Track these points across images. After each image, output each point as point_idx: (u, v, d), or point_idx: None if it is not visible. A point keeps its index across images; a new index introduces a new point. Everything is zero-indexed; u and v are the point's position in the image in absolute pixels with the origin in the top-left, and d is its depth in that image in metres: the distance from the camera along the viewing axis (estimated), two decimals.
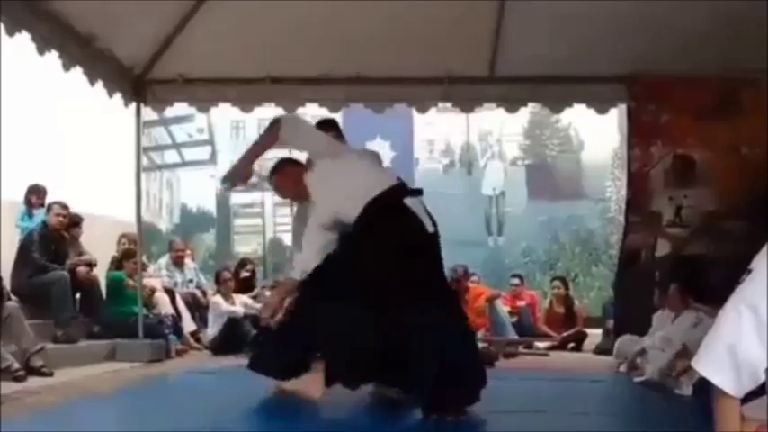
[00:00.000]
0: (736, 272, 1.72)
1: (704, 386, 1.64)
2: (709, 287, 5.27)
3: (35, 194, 8.11)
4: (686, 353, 4.58)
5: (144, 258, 7.76)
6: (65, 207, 7.01)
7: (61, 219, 6.93)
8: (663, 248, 6.34)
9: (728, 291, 1.70)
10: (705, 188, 6.30)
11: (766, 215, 3.06)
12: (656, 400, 4.60)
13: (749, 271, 1.66)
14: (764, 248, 1.66)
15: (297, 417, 3.71)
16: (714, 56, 6.00)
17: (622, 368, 5.87)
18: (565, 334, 8.46)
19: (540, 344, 8.29)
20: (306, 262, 3.80)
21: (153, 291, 7.48)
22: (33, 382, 5.05)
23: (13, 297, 6.03)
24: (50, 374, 5.29)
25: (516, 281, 9.15)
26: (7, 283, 6.02)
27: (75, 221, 7.33)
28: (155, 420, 3.77)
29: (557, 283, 9.31)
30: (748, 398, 1.64)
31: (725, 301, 1.69)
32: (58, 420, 3.83)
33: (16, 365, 5.07)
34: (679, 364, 4.64)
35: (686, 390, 4.39)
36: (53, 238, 6.86)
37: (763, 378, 1.58)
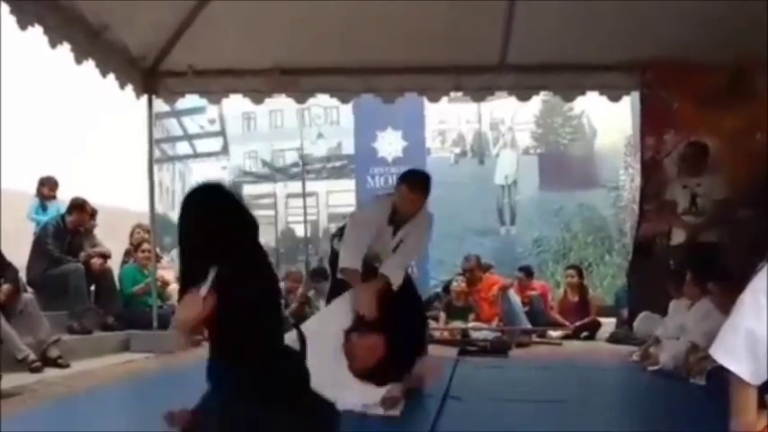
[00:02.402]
0: (751, 259, 1.71)
1: (719, 375, 1.63)
2: (725, 275, 5.22)
3: (47, 186, 8.14)
4: (701, 342, 4.56)
5: (157, 250, 7.78)
6: (85, 207, 7.03)
7: (85, 218, 6.99)
8: (678, 237, 6.30)
9: (744, 278, 1.69)
10: (719, 175, 6.25)
11: None
12: (670, 389, 4.59)
13: (766, 259, 1.65)
14: None
15: None
16: (727, 42, 5.94)
17: (636, 357, 5.85)
18: (578, 323, 8.43)
19: (554, 333, 8.27)
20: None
21: (166, 283, 7.51)
22: (50, 373, 5.09)
23: (28, 289, 6.07)
24: (67, 366, 5.35)
25: (521, 274, 9.07)
26: (23, 275, 6.06)
27: (91, 214, 7.35)
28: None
29: (571, 271, 9.27)
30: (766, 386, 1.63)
31: (741, 289, 1.68)
32: (76, 410, 3.86)
33: (33, 357, 5.12)
34: (693, 353, 4.62)
35: (700, 379, 4.37)
36: (68, 230, 6.90)
37: None
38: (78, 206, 6.97)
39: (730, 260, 5.76)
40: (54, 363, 5.32)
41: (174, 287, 7.60)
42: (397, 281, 4.04)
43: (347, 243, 4.27)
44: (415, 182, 4.19)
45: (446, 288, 8.70)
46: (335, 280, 4.38)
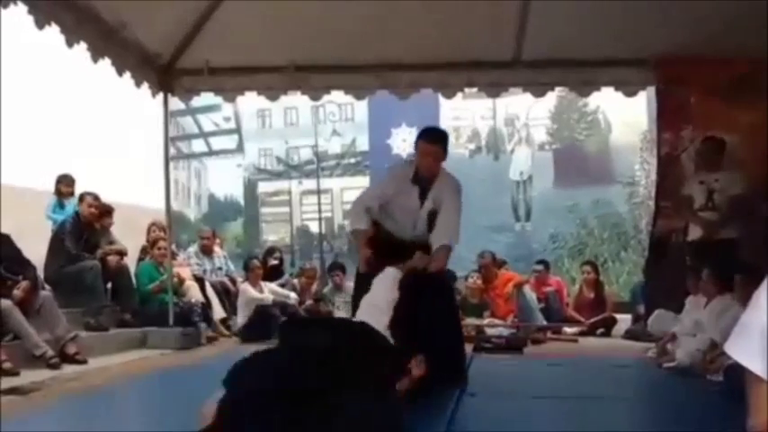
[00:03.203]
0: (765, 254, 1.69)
1: (735, 372, 1.61)
2: (742, 271, 5.19)
3: (64, 184, 8.20)
4: (717, 339, 4.53)
5: (173, 247, 7.83)
6: (96, 198, 7.09)
7: (93, 210, 7.01)
8: (694, 233, 6.25)
9: (761, 274, 1.68)
10: (736, 171, 6.20)
11: None
12: (686, 386, 4.57)
13: None
14: None
15: None
16: (741, 36, 5.89)
17: (651, 353, 5.82)
18: (594, 319, 8.40)
19: (569, 329, 8.24)
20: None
21: (182, 280, 7.55)
22: (67, 369, 5.14)
23: (46, 286, 6.12)
24: (84, 362, 5.40)
25: (540, 267, 9.09)
26: (40, 273, 6.11)
27: (106, 211, 7.41)
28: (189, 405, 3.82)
29: (587, 267, 9.23)
30: None
31: (757, 285, 1.67)
32: (93, 406, 3.90)
33: (51, 353, 5.17)
34: (710, 350, 4.59)
35: (717, 375, 4.34)
36: (85, 227, 6.95)
37: None
38: (88, 196, 7.04)
39: (748, 256, 5.73)
40: (72, 359, 5.37)
41: (189, 284, 7.64)
42: (456, 240, 4.15)
43: (354, 204, 4.41)
44: (432, 134, 4.32)
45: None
46: (359, 274, 4.39)
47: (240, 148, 14.29)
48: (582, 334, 8.12)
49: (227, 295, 8.34)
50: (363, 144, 13.03)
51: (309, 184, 13.91)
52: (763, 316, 1.56)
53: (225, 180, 14.92)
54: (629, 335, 7.68)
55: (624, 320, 8.43)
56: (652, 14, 5.85)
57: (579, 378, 4.92)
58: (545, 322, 8.13)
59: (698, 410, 3.77)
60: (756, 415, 1.58)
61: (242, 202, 14.68)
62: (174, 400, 4.24)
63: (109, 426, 3.40)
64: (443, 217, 4.20)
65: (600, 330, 8.29)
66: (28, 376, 4.58)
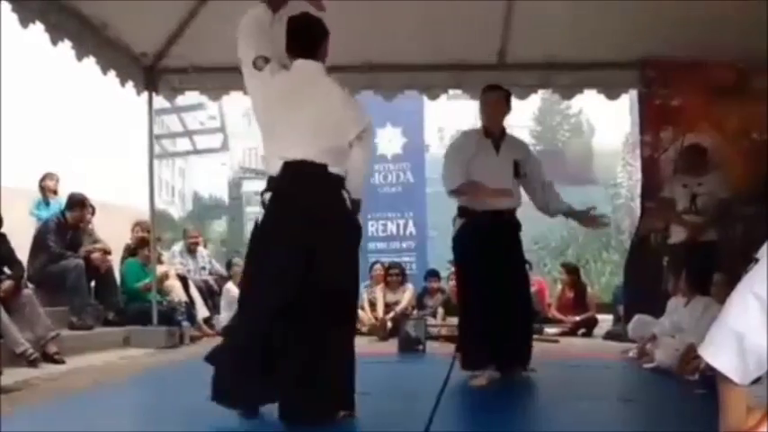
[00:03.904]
0: (748, 257, 1.72)
1: (712, 373, 1.66)
2: (723, 273, 5.26)
3: (49, 182, 8.17)
4: (695, 340, 4.59)
5: (157, 246, 7.81)
6: (85, 203, 7.06)
7: (85, 214, 7.02)
8: (678, 235, 6.31)
9: (739, 276, 1.71)
10: (718, 174, 6.27)
11: None
12: (665, 387, 4.62)
13: (756, 260, 1.67)
14: None
15: None
16: (725, 40, 5.96)
17: (632, 354, 5.89)
18: (576, 319, 8.47)
19: (550, 330, 8.30)
20: None
21: (165, 277, 7.52)
22: (50, 368, 5.13)
23: (29, 285, 6.10)
24: (62, 362, 5.36)
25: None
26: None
27: (89, 209, 7.37)
28: (173, 404, 3.84)
29: (569, 268, 9.31)
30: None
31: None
32: (77, 405, 3.90)
33: (31, 351, 5.15)
34: (687, 351, 4.65)
35: (694, 376, 4.40)
36: (69, 226, 6.93)
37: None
38: (78, 202, 7.02)
39: (730, 258, 5.80)
40: (51, 359, 5.35)
41: (171, 283, 7.63)
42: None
43: (447, 170, 4.57)
44: (494, 87, 4.76)
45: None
46: None
47: (225, 147, 14.29)
48: (563, 334, 8.18)
49: (211, 294, 8.34)
50: None
51: None
52: (734, 320, 1.60)
53: (209, 179, 14.93)
54: (609, 336, 7.75)
55: (606, 321, 8.50)
56: (635, 18, 5.91)
57: (559, 379, 4.96)
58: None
59: (675, 411, 3.82)
60: (728, 417, 1.62)
61: (226, 200, 14.68)
62: (159, 398, 4.26)
63: (93, 425, 3.40)
64: (538, 179, 4.79)
65: (582, 331, 8.35)
66: (10, 375, 4.56)
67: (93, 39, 5.54)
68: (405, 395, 4.08)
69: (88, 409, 3.81)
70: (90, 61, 5.61)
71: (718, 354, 1.62)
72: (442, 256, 10.90)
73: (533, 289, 8.88)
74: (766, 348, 1.57)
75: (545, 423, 3.64)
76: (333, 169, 3.18)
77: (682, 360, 4.67)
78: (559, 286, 9.64)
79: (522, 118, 12.11)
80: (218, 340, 7.43)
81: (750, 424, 1.59)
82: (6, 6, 4.50)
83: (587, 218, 4.85)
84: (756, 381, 1.66)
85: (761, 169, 6.27)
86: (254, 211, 13.79)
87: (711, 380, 1.68)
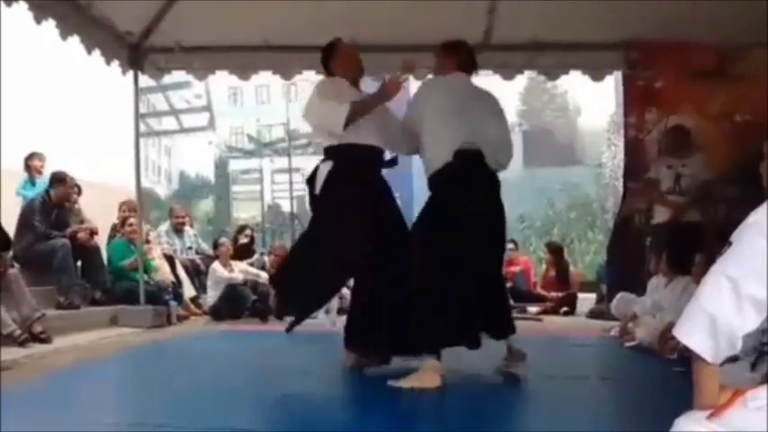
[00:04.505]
0: (728, 237, 1.76)
1: (689, 354, 1.71)
2: (704, 254, 5.34)
3: (35, 161, 8.13)
4: (675, 319, 4.66)
5: (144, 225, 7.81)
6: (66, 180, 7.04)
7: (69, 191, 7.00)
8: (661, 215, 6.38)
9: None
10: (701, 156, 6.35)
11: (757, 181, 3.11)
12: (645, 364, 4.71)
13: (730, 243, 1.72)
14: (745, 221, 1.71)
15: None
16: (710, 22, 6.01)
17: (614, 332, 5.98)
18: (558, 295, 8.57)
19: (533, 309, 8.39)
20: None
21: (152, 257, 7.54)
22: (39, 348, 5.15)
23: (15, 264, 6.09)
24: (49, 341, 5.37)
25: (511, 245, 9.26)
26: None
27: (72, 187, 7.35)
28: (161, 382, 3.89)
29: (551, 247, 9.41)
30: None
31: None
32: (66, 383, 3.94)
33: (19, 331, 5.16)
34: (665, 330, 4.73)
35: (673, 354, 4.48)
36: (54, 205, 6.92)
37: (740, 346, 1.66)
38: (60, 179, 6.99)
39: (712, 239, 5.87)
40: (37, 338, 5.36)
41: (159, 262, 7.65)
42: None
43: None
44: None
45: None
46: None
47: (211, 126, 14.26)
48: (546, 312, 8.28)
49: (198, 274, 8.36)
50: None
51: (281, 162, 13.93)
52: (707, 301, 1.65)
53: (196, 157, 14.94)
54: (592, 314, 7.85)
55: (589, 299, 8.61)
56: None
57: (541, 357, 5.03)
58: (512, 302, 8.26)
59: (651, 388, 3.90)
60: (701, 396, 1.68)
61: (213, 179, 14.71)
62: (148, 377, 4.31)
63: (83, 403, 3.45)
64: None
65: (564, 309, 8.45)
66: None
67: (77, 17, 5.51)
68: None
69: (78, 387, 3.85)
70: (75, 40, 5.58)
71: (692, 334, 1.67)
72: None
73: (518, 269, 9.03)
74: (737, 329, 1.62)
75: (521, 400, 3.71)
76: None
77: (660, 338, 4.75)
78: (544, 266, 9.74)
79: (508, 97, 12.12)
80: (204, 320, 7.53)
81: (722, 401, 1.65)
82: None
83: None
84: (733, 360, 1.72)
85: (743, 151, 6.34)
86: (241, 190, 13.78)
87: (689, 359, 1.73)
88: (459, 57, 4.26)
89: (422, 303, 3.68)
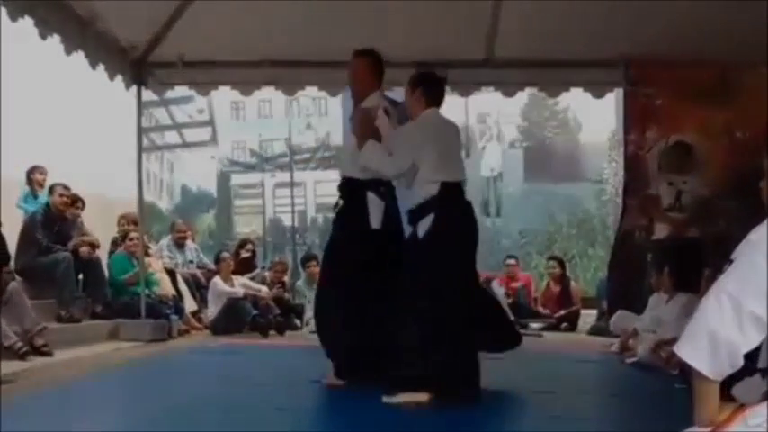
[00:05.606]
0: (729, 255, 1.77)
1: (689, 368, 1.71)
2: (706, 269, 5.34)
3: (37, 175, 8.15)
4: (676, 335, 4.65)
5: (145, 239, 7.82)
6: (66, 188, 7.08)
7: (65, 199, 7.00)
8: (661, 231, 6.40)
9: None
10: (702, 173, 6.37)
11: (756, 197, 3.13)
12: (646, 381, 4.70)
13: (730, 261, 1.73)
14: (746, 239, 1.72)
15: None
16: (710, 40, 6.04)
17: (614, 348, 5.97)
18: (561, 313, 8.55)
19: (535, 325, 8.38)
20: None
21: (153, 271, 7.54)
22: (39, 361, 5.15)
23: (16, 277, 6.10)
24: (50, 354, 5.37)
25: (512, 261, 9.26)
26: (11, 264, 6.08)
27: (74, 200, 7.37)
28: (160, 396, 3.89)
29: (553, 263, 9.40)
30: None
31: None
32: (67, 397, 3.94)
33: (20, 344, 5.16)
34: (666, 346, 4.72)
35: (674, 370, 4.48)
36: (56, 218, 6.94)
37: (741, 363, 1.66)
38: (58, 187, 7.01)
39: (710, 254, 5.88)
40: (39, 351, 5.36)
41: (160, 276, 7.65)
42: None
43: None
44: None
45: None
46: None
47: (214, 140, 14.29)
48: (548, 329, 8.26)
49: (199, 288, 8.36)
50: (337, 138, 13.13)
51: (283, 176, 13.96)
52: (708, 319, 1.66)
53: (198, 172, 14.93)
54: (594, 330, 7.83)
55: (591, 315, 8.58)
56: (622, 17, 5.98)
57: (542, 373, 5.03)
58: (513, 318, 8.24)
59: (654, 404, 3.90)
60: (701, 412, 1.68)
61: (215, 193, 14.70)
62: (147, 391, 4.30)
63: (83, 417, 3.44)
64: None
65: (564, 325, 8.43)
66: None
67: (82, 33, 5.55)
68: None
69: (77, 402, 3.85)
70: (79, 55, 5.62)
71: (693, 352, 1.68)
72: None
73: (519, 284, 9.02)
74: (738, 347, 1.63)
75: (520, 416, 3.71)
76: None
77: (653, 352, 4.75)
78: (545, 281, 9.73)
79: (510, 114, 12.17)
80: (204, 334, 7.52)
81: (722, 418, 1.65)
82: None
83: None
84: (739, 379, 1.73)
85: (743, 168, 6.35)
86: (243, 205, 13.80)
87: (689, 374, 1.74)
88: (434, 89, 4.30)
89: (425, 341, 3.63)
